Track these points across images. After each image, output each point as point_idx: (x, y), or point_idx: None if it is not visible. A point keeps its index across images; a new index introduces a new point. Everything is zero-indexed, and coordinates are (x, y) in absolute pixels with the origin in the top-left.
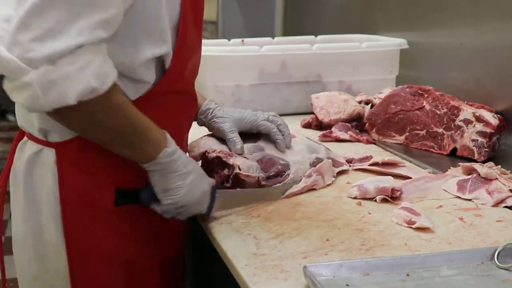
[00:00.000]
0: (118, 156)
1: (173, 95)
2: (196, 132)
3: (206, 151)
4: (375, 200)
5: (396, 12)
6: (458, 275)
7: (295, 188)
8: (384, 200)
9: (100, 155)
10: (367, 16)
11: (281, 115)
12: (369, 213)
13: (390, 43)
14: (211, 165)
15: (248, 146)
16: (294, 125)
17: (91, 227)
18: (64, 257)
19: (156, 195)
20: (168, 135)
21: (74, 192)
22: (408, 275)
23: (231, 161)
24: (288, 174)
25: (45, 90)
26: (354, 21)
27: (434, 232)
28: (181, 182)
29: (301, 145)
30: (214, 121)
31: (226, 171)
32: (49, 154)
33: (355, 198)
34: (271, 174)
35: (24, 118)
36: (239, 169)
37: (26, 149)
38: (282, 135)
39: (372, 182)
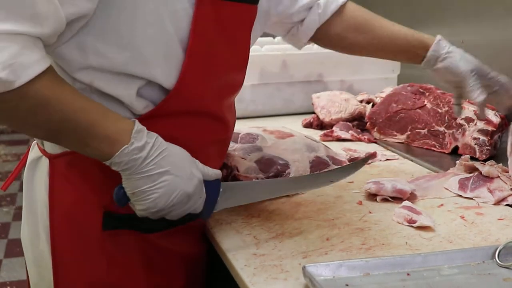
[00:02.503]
0: (104, 176)
1: (186, 116)
2: None
3: None
4: (376, 200)
5: (397, 10)
6: (459, 274)
7: None
8: (385, 200)
9: (90, 174)
10: None
11: (282, 115)
12: (370, 212)
13: None
14: None
15: (245, 146)
16: (295, 125)
17: (77, 247)
18: (51, 270)
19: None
20: (137, 127)
21: (62, 208)
22: (408, 274)
23: (229, 162)
24: (289, 173)
25: None
26: None
27: (435, 231)
28: (150, 185)
29: (300, 144)
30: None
31: (224, 172)
32: (45, 163)
33: (368, 193)
34: (270, 175)
35: None
36: (237, 170)
37: (32, 153)
38: None
39: (388, 181)
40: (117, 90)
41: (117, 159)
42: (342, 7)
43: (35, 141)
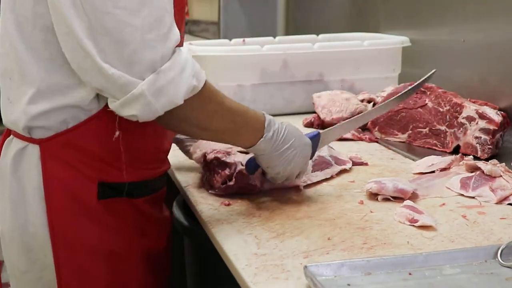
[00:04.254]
0: (100, 151)
1: None
2: None
3: (205, 152)
4: (377, 199)
5: (398, 10)
6: (461, 274)
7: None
8: (386, 199)
9: (83, 150)
10: (369, 15)
11: (283, 114)
12: (371, 212)
13: (392, 41)
14: (211, 166)
15: None
16: (296, 124)
17: (75, 220)
18: (50, 250)
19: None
20: (267, 120)
21: (58, 186)
22: (410, 274)
23: (231, 159)
24: None
25: (156, 96)
26: (356, 19)
27: (437, 230)
28: (280, 159)
29: None
30: None
31: (227, 171)
32: (34, 151)
33: (370, 192)
34: None
35: (8, 118)
36: (242, 165)
37: (11, 147)
38: None
39: (390, 181)
40: None
41: (261, 146)
42: None
43: (10, 137)
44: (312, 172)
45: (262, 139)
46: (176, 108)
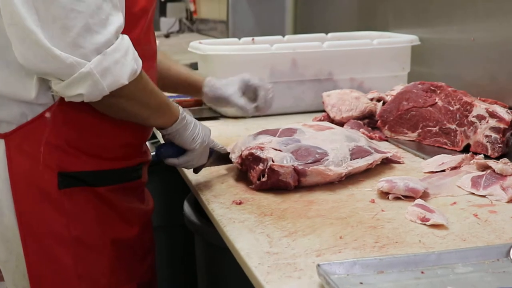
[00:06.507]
0: (59, 142)
1: None
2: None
3: (241, 152)
4: (388, 198)
5: (407, 8)
6: (473, 272)
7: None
8: (397, 198)
9: (42, 142)
10: (378, 13)
11: (292, 113)
12: (383, 211)
13: (402, 40)
14: (247, 162)
15: (282, 139)
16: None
17: (40, 209)
18: (19, 239)
19: (174, 152)
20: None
21: (22, 177)
22: (422, 272)
23: (264, 154)
24: (328, 159)
25: (102, 76)
26: (365, 18)
27: (448, 229)
28: (196, 130)
29: (339, 135)
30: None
31: (261, 166)
32: (0, 145)
33: (381, 191)
34: (308, 162)
35: None
36: (273, 161)
37: None
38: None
39: (401, 180)
40: None
41: (179, 122)
42: None
43: None
44: (351, 160)
45: (181, 114)
46: (123, 88)
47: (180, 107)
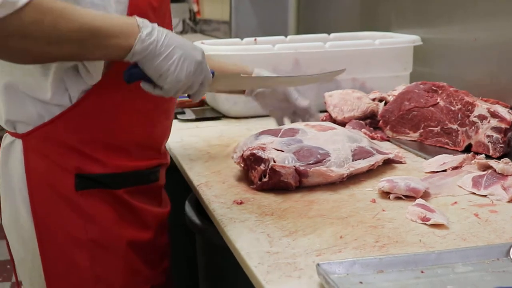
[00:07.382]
0: (76, 144)
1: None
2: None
3: (242, 152)
4: (389, 198)
5: (409, 8)
6: (473, 272)
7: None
8: (398, 198)
9: (60, 143)
10: (380, 14)
11: None
12: (384, 210)
13: (404, 40)
14: (248, 162)
15: (284, 140)
16: None
17: (56, 210)
18: (36, 240)
19: (147, 77)
20: (139, 20)
21: (39, 178)
22: (422, 272)
23: (265, 155)
24: (329, 161)
25: None
26: (367, 18)
27: (449, 228)
28: (169, 63)
29: (341, 136)
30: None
31: (262, 166)
32: (18, 145)
33: (382, 191)
34: (310, 162)
35: None
36: (274, 161)
37: (4, 142)
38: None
39: (402, 179)
40: None
41: (138, 47)
42: None
43: (6, 134)
44: (353, 161)
45: (138, 37)
46: (11, 25)
47: (144, 23)
